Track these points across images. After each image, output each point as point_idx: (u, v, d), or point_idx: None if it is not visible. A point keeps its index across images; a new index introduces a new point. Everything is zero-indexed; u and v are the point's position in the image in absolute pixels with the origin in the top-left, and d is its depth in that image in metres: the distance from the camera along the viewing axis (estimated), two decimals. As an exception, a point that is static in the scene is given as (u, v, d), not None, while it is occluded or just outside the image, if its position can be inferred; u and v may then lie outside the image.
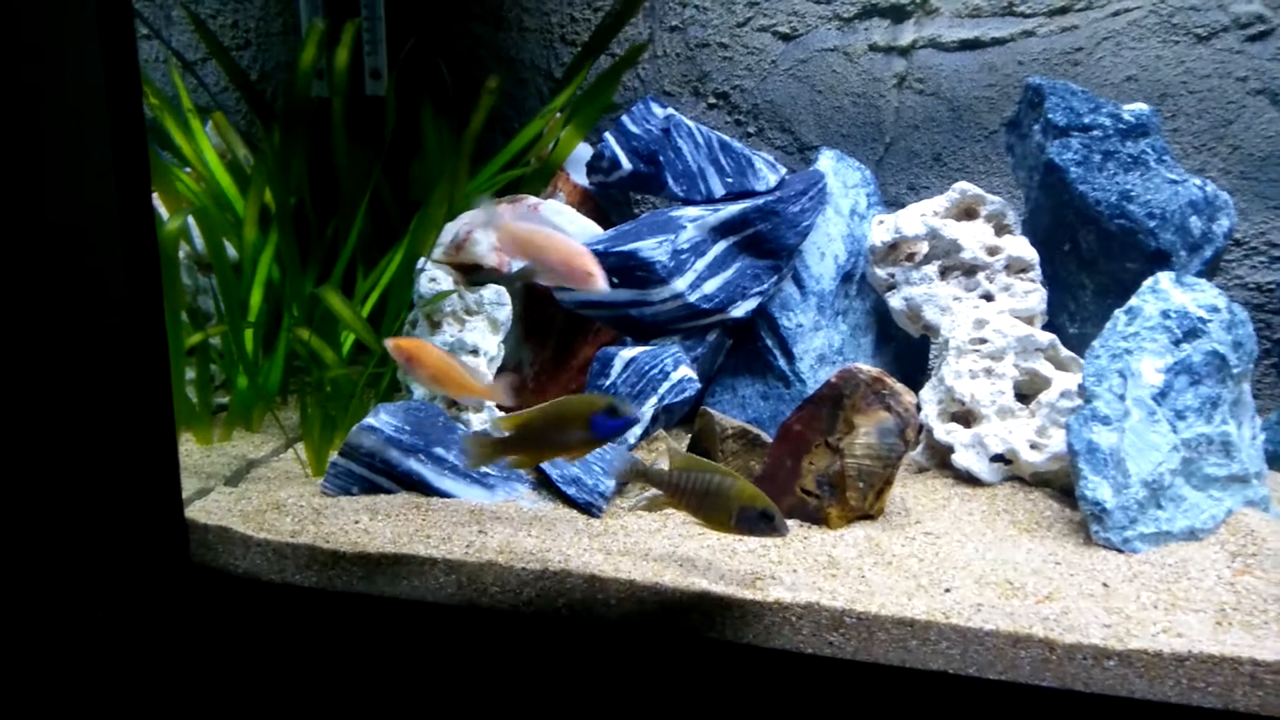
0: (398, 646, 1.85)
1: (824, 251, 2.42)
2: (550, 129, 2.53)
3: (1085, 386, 1.92)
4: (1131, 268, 2.11)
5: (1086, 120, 2.19)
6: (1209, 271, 2.18)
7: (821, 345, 2.39)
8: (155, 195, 2.39)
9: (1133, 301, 1.93)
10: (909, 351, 2.48)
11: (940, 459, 2.17)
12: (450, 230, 2.30)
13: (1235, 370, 1.85)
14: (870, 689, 1.62)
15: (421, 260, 2.28)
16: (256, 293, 2.39)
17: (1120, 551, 1.80)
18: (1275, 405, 2.14)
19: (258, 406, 2.38)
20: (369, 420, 2.00)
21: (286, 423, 2.45)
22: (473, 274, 2.37)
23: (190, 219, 2.44)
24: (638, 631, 1.73)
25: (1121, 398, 1.87)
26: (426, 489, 1.97)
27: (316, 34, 2.42)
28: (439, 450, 1.99)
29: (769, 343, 2.37)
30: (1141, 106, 2.20)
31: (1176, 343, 1.86)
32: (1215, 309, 1.86)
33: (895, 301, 2.33)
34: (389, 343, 1.88)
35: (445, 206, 2.32)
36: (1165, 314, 1.88)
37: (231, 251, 2.49)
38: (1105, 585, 1.70)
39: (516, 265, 2.31)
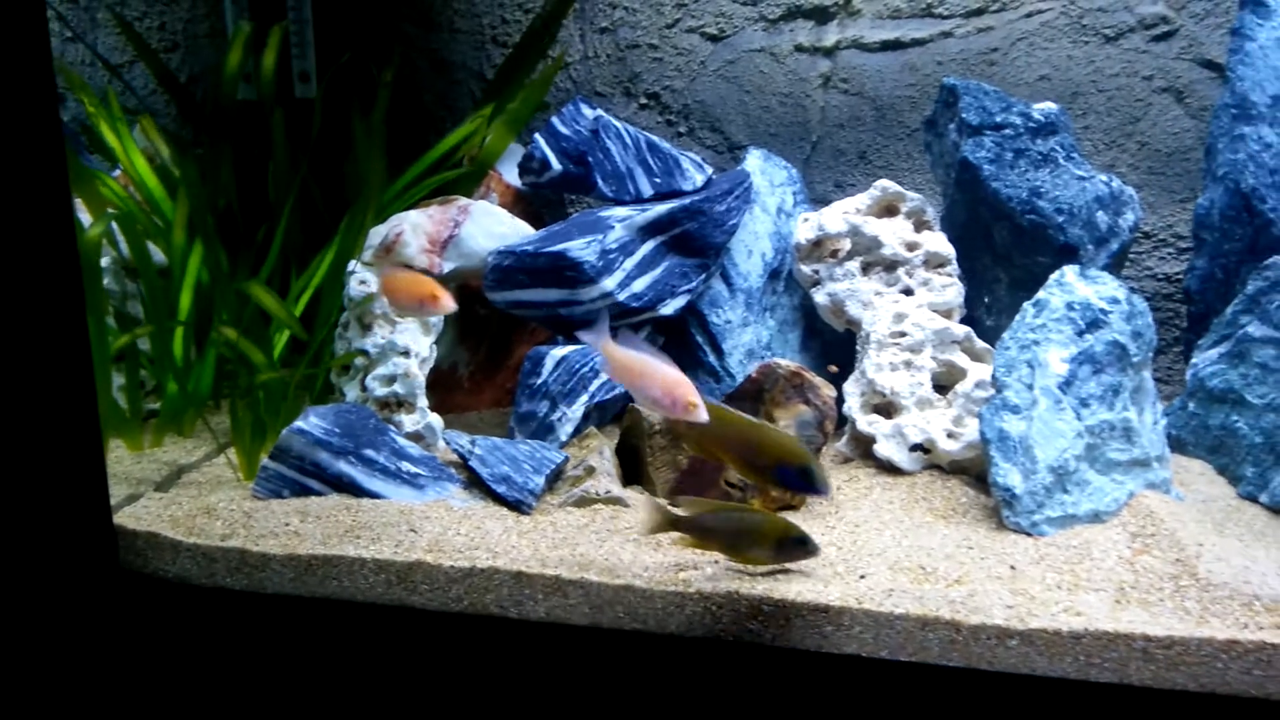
0: (329, 647, 1.87)
1: (751, 249, 2.48)
2: (480, 130, 2.55)
3: (996, 377, 1.99)
4: (1043, 261, 2.19)
5: (998, 119, 2.26)
6: (1116, 264, 2.27)
7: (750, 341, 2.44)
8: (79, 200, 2.37)
9: (1040, 294, 2.01)
10: (836, 346, 2.54)
11: (863, 449, 2.23)
12: (379, 232, 2.32)
13: (1135, 359, 1.93)
14: (787, 674, 1.68)
15: (352, 263, 2.29)
16: (186, 296, 2.38)
17: (1029, 535, 1.87)
18: (1182, 392, 2.23)
19: (189, 412, 2.37)
20: (298, 423, 2.01)
21: (219, 427, 2.45)
22: (403, 276, 2.38)
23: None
24: (565, 627, 1.77)
25: (1030, 387, 1.95)
26: (357, 490, 1.98)
27: (242, 37, 2.42)
28: (369, 452, 2.01)
29: (699, 339, 2.42)
30: (1050, 105, 2.28)
31: (1080, 333, 1.94)
32: (1116, 300, 1.94)
33: (820, 297, 2.39)
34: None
35: (374, 208, 2.33)
36: (1070, 306, 1.96)
37: (160, 256, 2.48)
38: (1012, 568, 1.77)
39: (448, 267, 2.33)
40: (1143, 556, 1.78)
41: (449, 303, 1.86)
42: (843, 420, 2.26)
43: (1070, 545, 1.85)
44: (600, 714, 1.76)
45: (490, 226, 2.39)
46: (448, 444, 2.14)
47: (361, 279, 2.27)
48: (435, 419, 2.22)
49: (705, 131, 2.81)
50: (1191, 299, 2.29)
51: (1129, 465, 1.91)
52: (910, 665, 1.63)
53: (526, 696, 1.80)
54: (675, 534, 1.77)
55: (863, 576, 1.73)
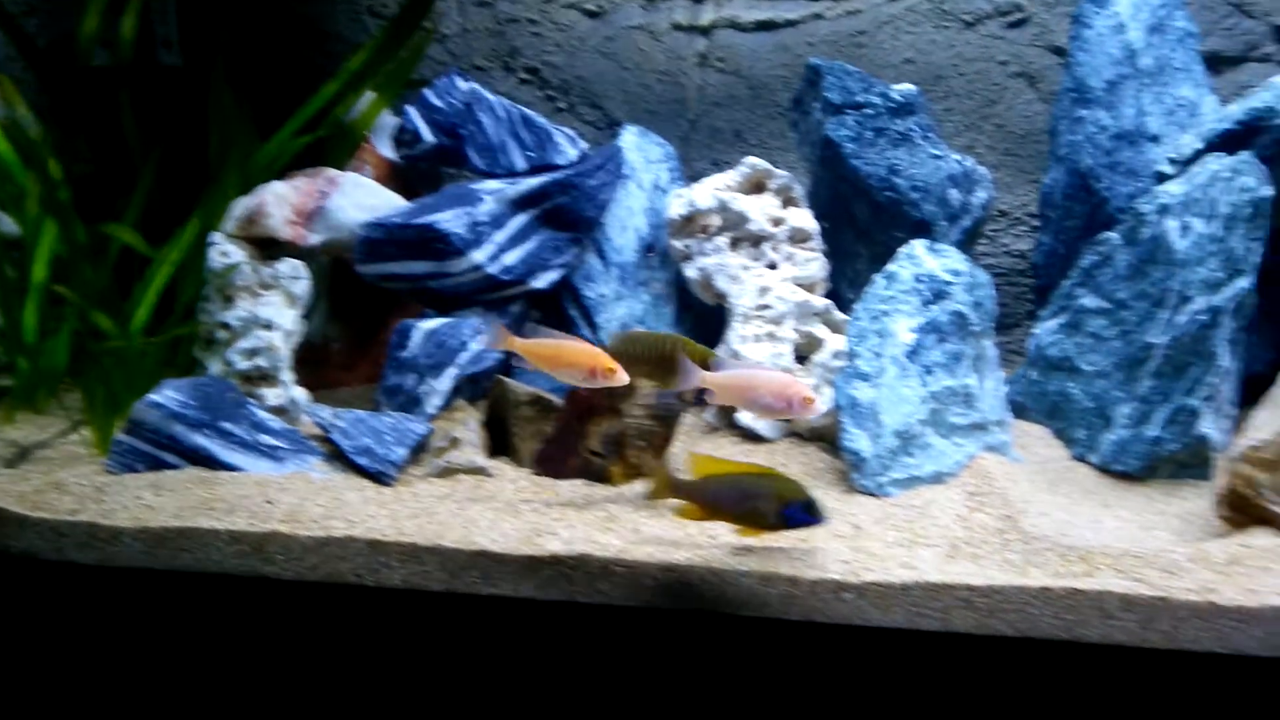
0: (184, 619, 1.85)
1: (626, 224, 2.51)
2: (348, 97, 2.51)
3: (849, 346, 2.07)
4: (899, 236, 2.27)
5: (859, 99, 2.34)
6: (970, 239, 2.38)
7: (624, 314, 2.48)
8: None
9: (890, 267, 2.10)
10: (709, 319, 2.60)
11: (728, 419, 2.29)
12: (242, 204, 2.28)
13: (976, 328, 2.03)
14: (636, 632, 1.73)
15: (214, 234, 2.25)
16: (39, 268, 2.30)
17: (875, 496, 1.96)
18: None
19: (41, 388, 2.30)
20: (152, 396, 1.97)
21: (77, 405, 2.38)
22: (270, 248, 2.35)
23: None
24: (421, 593, 1.79)
25: (879, 356, 2.03)
26: (214, 463, 1.96)
27: (100, 1, 2.34)
28: (227, 424, 1.98)
29: (573, 313, 2.45)
30: (909, 87, 2.37)
31: (926, 304, 2.03)
32: (959, 273, 2.03)
33: (691, 271, 2.44)
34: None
35: (237, 177, 2.29)
36: (917, 278, 2.05)
37: (13, 226, 2.39)
38: (857, 527, 1.86)
39: (315, 239, 2.31)
40: (976, 514, 1.88)
41: (623, 375, 1.75)
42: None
43: (912, 505, 1.94)
44: (456, 677, 1.79)
45: (360, 199, 2.37)
46: (310, 417, 2.13)
47: (223, 250, 2.22)
48: (300, 392, 2.21)
49: (585, 107, 2.83)
50: (1037, 273, 2.41)
51: (969, 429, 2.01)
52: (751, 619, 1.70)
53: (384, 662, 1.81)
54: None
55: (713, 538, 1.80)
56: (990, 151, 2.67)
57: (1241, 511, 1.78)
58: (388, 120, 2.68)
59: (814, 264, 2.35)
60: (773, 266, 2.38)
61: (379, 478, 1.98)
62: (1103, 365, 2.11)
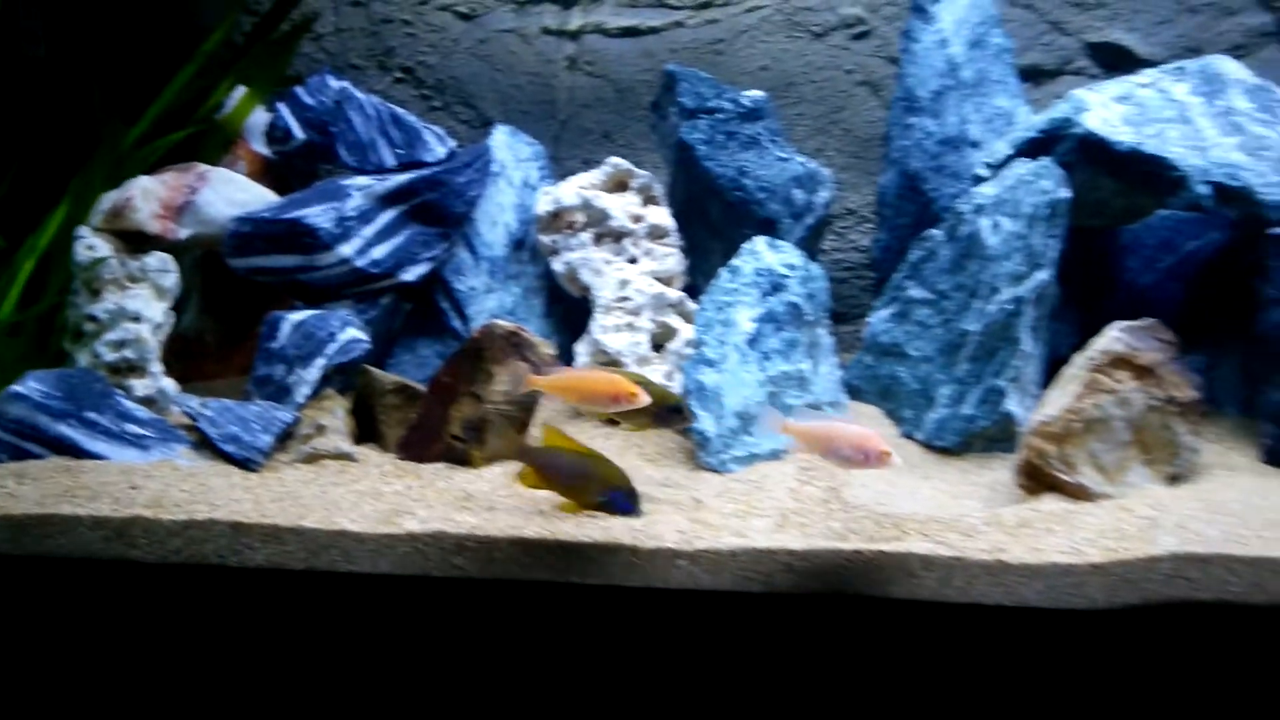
0: (50, 603, 1.89)
1: (496, 220, 2.62)
2: (219, 88, 2.55)
3: (696, 335, 2.23)
4: (748, 233, 2.42)
5: (711, 104, 2.50)
6: (814, 236, 2.56)
7: (494, 306, 2.59)
8: None
9: (734, 261, 2.26)
10: (579, 311, 2.73)
11: (591, 405, 2.43)
12: (109, 198, 2.30)
13: (809, 318, 2.21)
14: (489, 604, 1.84)
15: (80, 228, 2.27)
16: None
17: (718, 472, 2.13)
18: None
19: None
20: (15, 387, 2.00)
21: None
22: (139, 242, 2.38)
23: None
24: (283, 572, 1.87)
25: (723, 343, 2.19)
26: (79, 452, 2.00)
27: (-41, -7, 2.33)
28: (92, 414, 2.03)
29: (444, 305, 2.55)
30: (758, 93, 2.54)
31: (765, 295, 2.20)
32: (794, 266, 2.21)
33: (557, 266, 2.57)
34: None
35: (103, 170, 2.32)
36: (757, 272, 2.22)
37: None
38: (698, 501, 2.01)
39: (184, 234, 2.35)
40: (806, 487, 2.06)
41: (645, 397, 1.88)
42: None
43: (750, 480, 2.11)
44: (319, 653, 1.88)
45: (231, 194, 2.42)
46: (179, 407, 2.18)
47: (89, 244, 2.25)
48: (169, 383, 2.25)
49: (459, 107, 2.93)
50: (876, 267, 2.62)
51: (804, 410, 2.19)
52: (596, 587, 1.84)
53: (248, 640, 1.88)
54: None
55: (564, 516, 1.92)
56: (839, 154, 2.87)
57: (1035, 480, 2.00)
58: (264, 118, 2.73)
59: (671, 259, 2.51)
60: (633, 261, 2.52)
61: (245, 464, 2.05)
62: (927, 351, 2.32)
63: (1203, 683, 1.83)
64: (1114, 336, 2.00)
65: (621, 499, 1.84)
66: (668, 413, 1.95)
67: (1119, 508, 1.95)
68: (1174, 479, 2.03)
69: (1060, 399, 1.98)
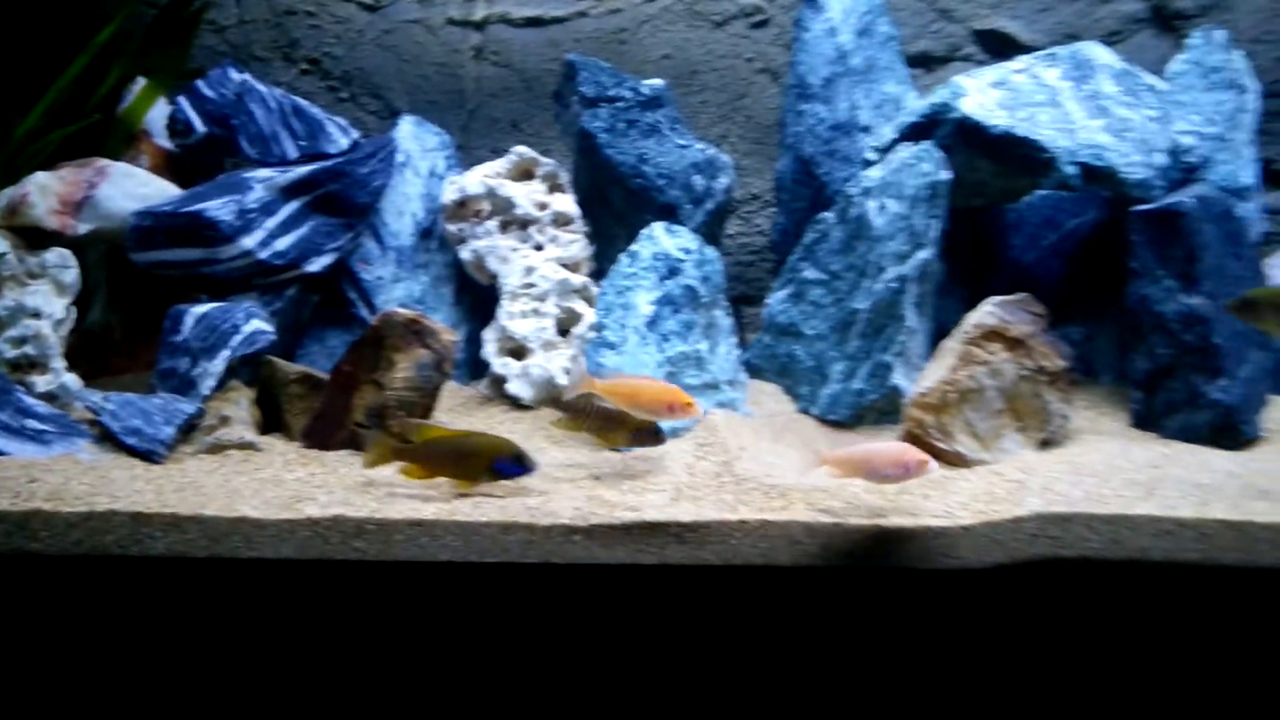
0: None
1: (402, 210, 2.65)
2: (124, 84, 2.53)
3: (597, 319, 2.29)
4: (650, 219, 2.49)
5: (611, 93, 2.55)
6: (716, 221, 2.63)
7: (402, 295, 2.62)
8: None
9: (633, 247, 2.33)
10: (488, 298, 2.77)
11: (499, 389, 2.48)
12: (5, 194, 2.29)
13: (705, 300, 2.29)
14: (390, 584, 1.89)
15: (-25, 225, 2.26)
16: None
17: (619, 451, 2.19)
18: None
19: None
20: (-93, 386, 1.99)
21: None
22: (40, 238, 2.36)
23: None
24: (184, 560, 1.89)
25: (624, 326, 2.26)
26: (-24, 449, 2.00)
27: None
28: (-11, 410, 2.03)
29: (352, 295, 2.58)
30: (657, 81, 2.60)
31: (662, 279, 2.27)
32: (689, 250, 2.28)
33: (465, 254, 2.61)
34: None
35: (-2, 166, 2.30)
36: (655, 256, 2.29)
37: None
38: (597, 478, 2.08)
39: (84, 229, 2.35)
40: (701, 462, 2.13)
41: (699, 409, 1.96)
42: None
43: (649, 457, 2.18)
44: (221, 638, 1.91)
45: (131, 188, 2.42)
46: (81, 402, 2.18)
47: (-15, 241, 2.24)
48: (71, 378, 2.25)
49: (367, 98, 2.94)
50: (775, 249, 2.70)
51: (702, 388, 2.26)
52: (497, 565, 1.89)
53: (150, 627, 1.91)
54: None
55: (463, 495, 1.98)
56: (741, 140, 2.95)
57: (917, 448, 2.10)
58: (166, 111, 2.72)
59: (576, 245, 2.56)
60: (539, 248, 2.57)
61: (148, 456, 2.06)
62: (821, 329, 2.41)
63: (1068, 636, 1.95)
64: (987, 311, 2.11)
65: (509, 464, 1.90)
66: (644, 434, 2.03)
67: (991, 473, 2.06)
68: (1045, 444, 2.15)
69: (937, 371, 2.09)
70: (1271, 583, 1.92)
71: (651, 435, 2.04)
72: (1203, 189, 2.24)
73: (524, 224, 2.57)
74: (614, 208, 2.57)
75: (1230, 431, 2.13)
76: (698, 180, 2.54)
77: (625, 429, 2.02)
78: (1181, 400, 2.18)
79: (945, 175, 2.27)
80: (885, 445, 1.97)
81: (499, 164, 2.61)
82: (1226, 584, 1.92)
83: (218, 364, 2.27)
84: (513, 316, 2.46)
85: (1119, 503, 1.92)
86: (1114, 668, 1.95)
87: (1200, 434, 2.16)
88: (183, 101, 2.49)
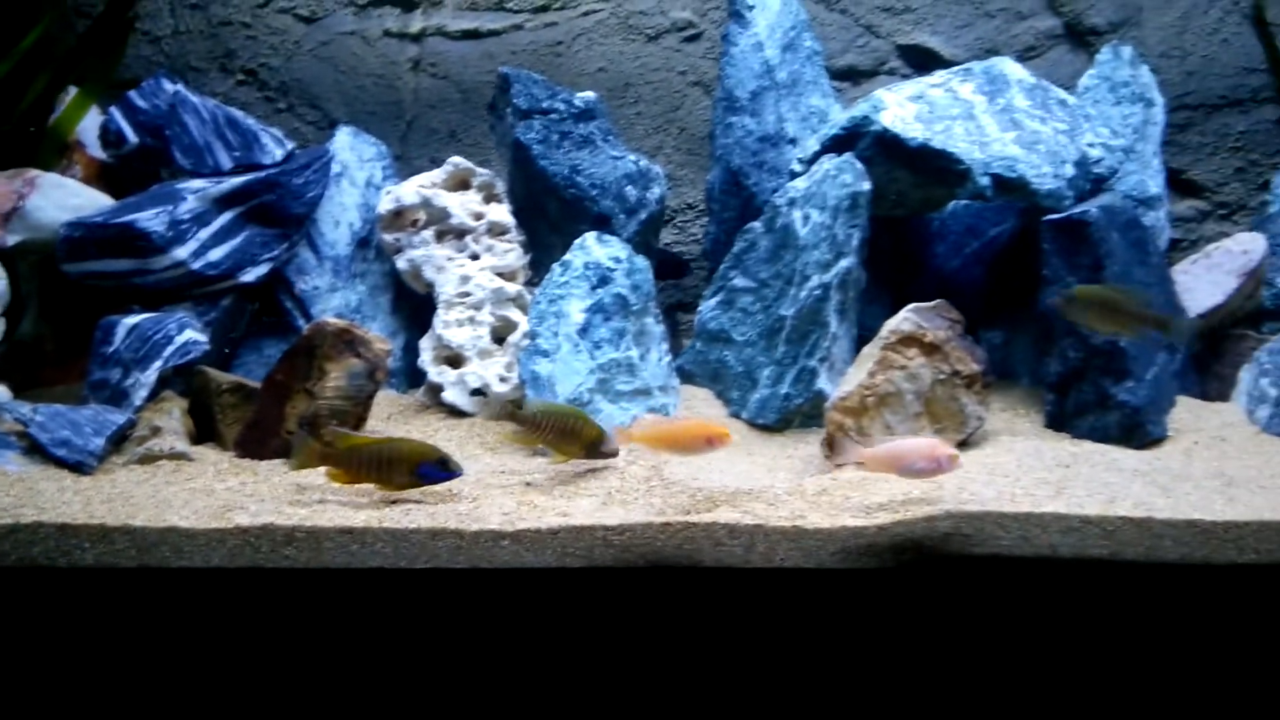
0: None
1: (339, 220, 2.67)
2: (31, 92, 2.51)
3: (530, 327, 2.33)
4: (584, 229, 2.54)
5: (545, 105, 2.60)
6: (649, 230, 2.69)
7: (339, 305, 2.65)
8: None
9: (566, 257, 2.37)
10: (426, 307, 2.79)
11: (435, 397, 2.51)
12: (-68, 206, 2.28)
13: (635, 308, 2.34)
14: (319, 592, 1.91)
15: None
16: None
17: (545, 456, 2.23)
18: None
19: None
20: None
21: None
22: (-35, 250, 2.36)
23: None
24: (113, 570, 1.90)
25: (556, 334, 2.30)
26: (-101, 463, 1.99)
27: None
28: (-87, 424, 2.02)
29: (288, 305, 2.60)
30: (590, 94, 2.65)
31: (594, 288, 2.32)
32: (620, 260, 2.34)
33: (401, 263, 2.63)
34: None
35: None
36: (587, 266, 2.34)
37: None
38: (528, 484, 2.12)
39: (12, 240, 2.34)
40: (631, 466, 2.18)
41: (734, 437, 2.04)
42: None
43: (581, 462, 2.23)
44: (150, 649, 1.92)
45: (62, 199, 2.41)
46: (9, 414, 2.17)
47: (-91, 253, 2.23)
48: (1, 390, 2.24)
49: (305, 108, 2.96)
50: (708, 258, 2.76)
51: (633, 394, 2.31)
52: (426, 571, 1.92)
53: (80, 639, 1.91)
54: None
55: (394, 502, 2.01)
56: (676, 151, 3.01)
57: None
58: (100, 121, 2.72)
59: (511, 254, 2.60)
60: (475, 257, 2.61)
61: (78, 468, 2.06)
62: (750, 335, 2.47)
63: (981, 631, 2.03)
64: (904, 317, 2.18)
65: (433, 469, 1.93)
66: (598, 446, 2.08)
67: (909, 474, 2.14)
68: (962, 445, 2.23)
69: (856, 376, 2.16)
70: (1174, 577, 2.02)
71: (602, 444, 2.08)
72: (1109, 199, 2.34)
73: (460, 234, 2.60)
74: (549, 217, 2.62)
75: (1137, 431, 2.23)
76: (631, 191, 2.59)
77: (580, 442, 2.06)
78: (1091, 402, 2.28)
79: (865, 186, 2.34)
80: (917, 440, 2.02)
81: (435, 174, 2.64)
82: (1132, 579, 2.01)
83: (150, 374, 2.27)
84: (448, 325, 2.50)
85: (1029, 501, 2.00)
86: (1025, 661, 2.03)
87: (1109, 434, 2.25)
88: (115, 112, 2.49)
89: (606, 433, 2.06)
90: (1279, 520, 2.02)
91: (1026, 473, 2.11)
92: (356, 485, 1.97)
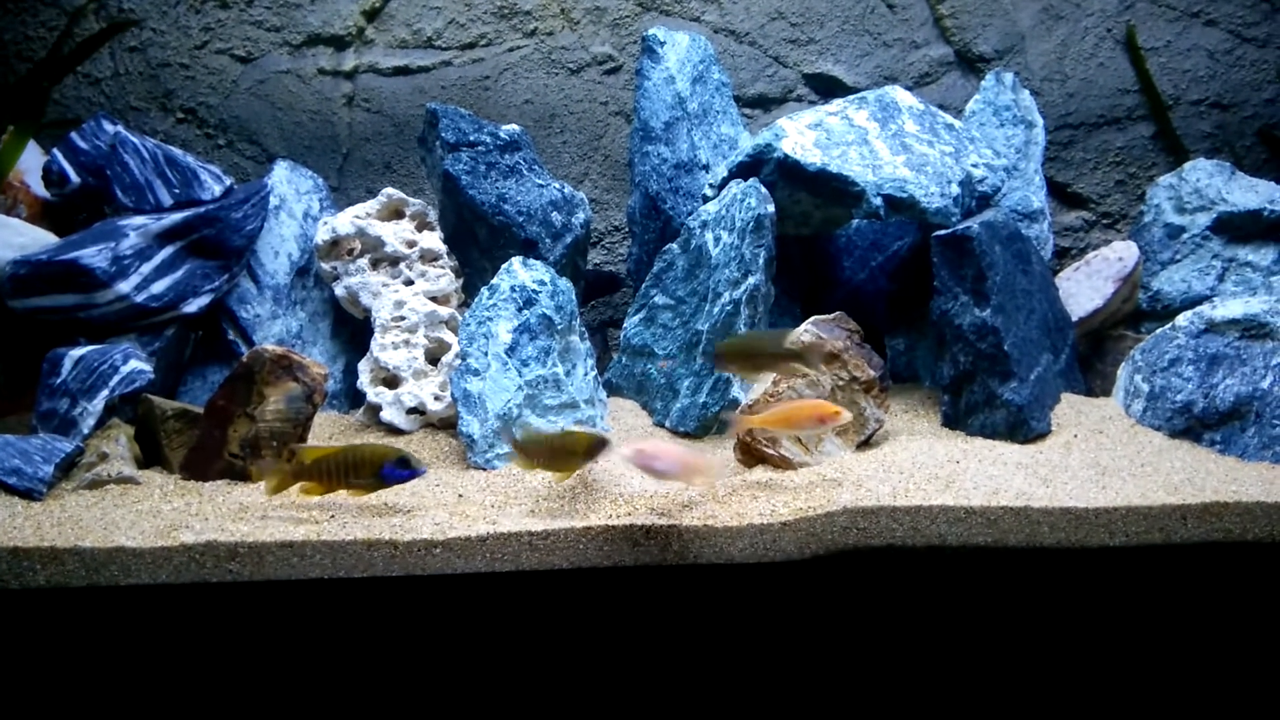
0: None
1: (278, 250, 2.80)
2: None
3: (461, 347, 2.48)
4: (512, 253, 2.69)
5: (472, 138, 2.75)
6: (576, 253, 2.85)
7: (280, 332, 2.77)
8: None
9: (494, 280, 2.52)
10: (365, 331, 2.92)
11: (374, 417, 2.64)
12: (-122, 248, 2.37)
13: (559, 326, 2.49)
14: (261, 604, 2.03)
15: None
16: None
17: (484, 469, 2.37)
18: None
19: None
20: None
21: None
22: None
23: None
24: (64, 590, 2.01)
25: (485, 354, 2.45)
26: None
27: None
28: None
29: (231, 334, 2.71)
30: (514, 127, 2.80)
31: (520, 309, 2.47)
32: (544, 283, 2.49)
33: (339, 290, 2.76)
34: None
35: None
36: (513, 288, 2.48)
37: None
38: (460, 495, 2.25)
39: (-39, 278, 2.44)
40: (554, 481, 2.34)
41: (847, 414, 2.14)
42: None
43: (512, 474, 2.36)
44: (102, 664, 2.02)
45: (8, 238, 2.51)
46: (-41, 445, 2.27)
47: None
48: (-49, 423, 2.34)
49: (244, 144, 3.08)
50: (631, 278, 2.93)
51: (560, 408, 2.46)
52: (363, 580, 2.05)
53: (32, 657, 2.01)
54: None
55: (332, 516, 2.13)
56: (601, 177, 3.17)
57: (748, 454, 2.34)
58: (42, 160, 2.82)
59: (444, 279, 2.74)
60: (409, 283, 2.75)
61: (29, 494, 2.16)
62: (671, 349, 2.64)
63: (880, 617, 2.20)
64: (805, 329, 2.36)
65: (395, 470, 2.06)
66: (593, 449, 2.16)
67: (813, 473, 2.31)
68: (863, 445, 2.41)
69: (763, 384, 2.33)
70: (1052, 561, 2.21)
71: (599, 447, 2.17)
72: (992, 214, 2.55)
73: (394, 261, 2.74)
74: (479, 243, 2.77)
75: (1022, 427, 2.43)
76: (556, 216, 2.75)
77: (575, 454, 2.16)
78: (980, 401, 2.47)
79: (769, 209, 2.52)
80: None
81: (369, 205, 2.78)
82: (1014, 563, 2.20)
83: (97, 403, 2.38)
84: (385, 348, 2.63)
85: (920, 495, 2.18)
86: (921, 644, 2.21)
87: (997, 431, 2.45)
88: (57, 153, 2.60)
89: (601, 435, 2.17)
90: (1147, 505, 2.24)
91: (919, 469, 2.29)
92: (329, 494, 2.11)
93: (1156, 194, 3.00)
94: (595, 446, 2.15)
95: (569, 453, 2.16)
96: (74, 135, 2.61)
